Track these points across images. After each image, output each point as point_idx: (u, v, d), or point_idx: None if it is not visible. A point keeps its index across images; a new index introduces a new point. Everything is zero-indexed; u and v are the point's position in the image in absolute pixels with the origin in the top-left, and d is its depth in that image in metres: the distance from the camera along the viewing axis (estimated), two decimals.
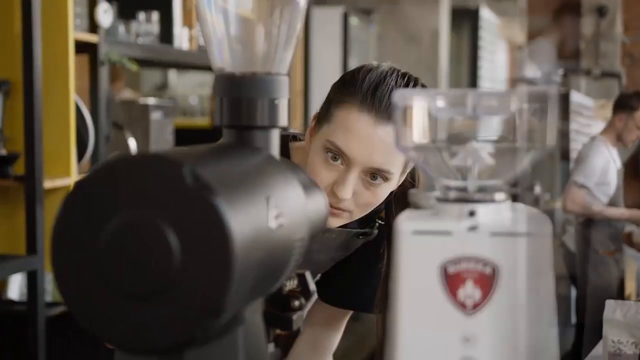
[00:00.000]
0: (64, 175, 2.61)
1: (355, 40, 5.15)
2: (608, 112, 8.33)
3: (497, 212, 0.69)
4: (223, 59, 0.78)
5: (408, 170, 1.34)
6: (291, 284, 0.86)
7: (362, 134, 1.24)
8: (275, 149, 0.78)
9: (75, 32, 2.65)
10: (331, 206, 1.26)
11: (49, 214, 2.47)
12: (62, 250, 0.62)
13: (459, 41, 7.32)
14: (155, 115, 3.14)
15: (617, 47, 9.32)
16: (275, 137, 0.79)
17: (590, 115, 7.33)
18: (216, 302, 0.60)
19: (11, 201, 2.57)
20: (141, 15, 3.11)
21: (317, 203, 0.85)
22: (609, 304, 1.95)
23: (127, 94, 4.54)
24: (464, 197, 0.69)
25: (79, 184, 0.63)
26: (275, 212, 0.68)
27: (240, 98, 0.76)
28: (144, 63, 3.53)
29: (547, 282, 0.67)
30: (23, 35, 2.43)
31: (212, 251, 0.59)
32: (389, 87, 1.25)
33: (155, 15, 3.18)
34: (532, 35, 9.09)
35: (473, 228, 0.67)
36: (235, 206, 0.62)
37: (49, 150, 2.51)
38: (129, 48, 2.97)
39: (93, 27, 2.76)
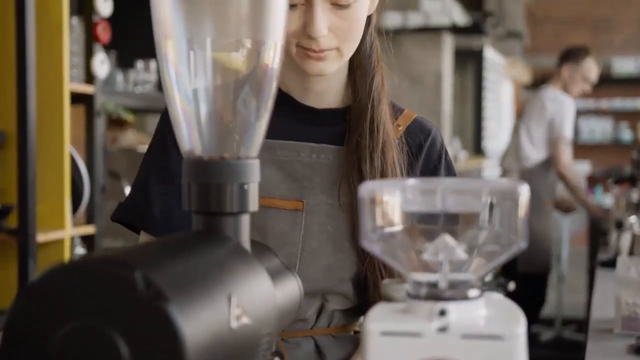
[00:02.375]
0: (58, 228, 2.59)
1: None
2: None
3: (470, 310, 0.66)
4: (192, 142, 0.75)
5: None
6: None
7: None
8: (245, 235, 0.76)
9: (72, 83, 2.64)
10: (314, 51, 1.17)
11: (42, 268, 2.44)
12: (10, 358, 0.60)
13: (464, 81, 7.32)
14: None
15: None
16: (245, 223, 0.76)
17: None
18: None
19: (3, 255, 2.54)
20: (139, 64, 3.11)
21: (289, 289, 0.82)
22: (622, 260, 1.77)
23: (130, 136, 4.53)
24: (434, 294, 0.66)
25: (27, 290, 0.60)
26: (238, 311, 0.65)
27: (209, 183, 0.74)
28: (142, 110, 3.52)
29: None
30: (18, 87, 2.42)
31: None
32: None
33: (153, 64, 3.17)
34: (537, 73, 9.11)
35: (443, 329, 0.64)
36: (191, 311, 0.59)
37: (43, 202, 2.49)
38: (126, 97, 2.96)
39: (90, 77, 2.76)
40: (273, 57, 0.76)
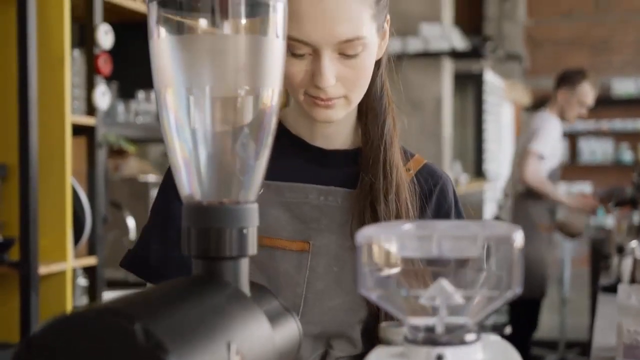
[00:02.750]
0: (60, 260, 2.60)
1: None
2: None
3: (467, 355, 0.67)
4: (191, 187, 0.76)
5: (386, 26, 1.24)
6: None
7: (310, 13, 1.12)
8: (244, 279, 0.77)
9: (74, 115, 2.66)
10: (322, 99, 1.17)
11: (44, 301, 2.45)
12: None
13: (464, 105, 7.35)
14: (155, 193, 3.13)
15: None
16: (244, 267, 0.77)
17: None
18: None
19: (6, 288, 2.55)
20: (140, 94, 3.13)
21: (288, 332, 0.82)
22: (623, 288, 1.76)
23: (132, 163, 4.55)
24: (432, 339, 0.67)
25: (28, 340, 0.61)
26: (237, 358, 0.66)
27: (208, 228, 0.75)
28: (144, 140, 3.54)
29: None
30: (19, 119, 2.44)
31: None
32: None
33: (154, 94, 3.19)
34: (537, 95, 9.15)
35: None
36: None
37: (45, 235, 2.50)
38: (127, 128, 2.98)
39: (91, 109, 2.77)
40: (271, 102, 0.77)
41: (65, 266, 2.61)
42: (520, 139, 4.66)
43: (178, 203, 0.80)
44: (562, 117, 4.56)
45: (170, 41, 0.75)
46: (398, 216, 1.24)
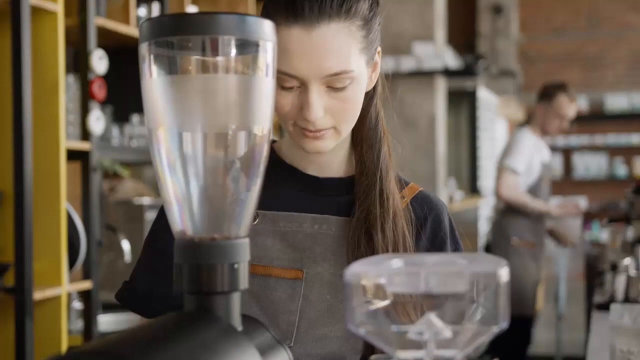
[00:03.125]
0: (55, 285, 2.60)
1: None
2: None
3: None
4: (183, 223, 0.78)
5: (377, 58, 1.24)
6: None
7: (298, 47, 1.13)
8: (235, 313, 0.78)
9: (68, 141, 2.67)
10: (310, 131, 1.18)
11: (39, 326, 2.45)
12: None
13: (458, 122, 7.37)
14: (150, 216, 3.15)
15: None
16: (236, 301, 0.78)
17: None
18: None
19: (1, 314, 2.55)
20: (135, 118, 3.15)
21: None
22: (615, 308, 1.77)
23: (129, 184, 4.55)
24: None
25: None
26: None
27: (200, 264, 0.76)
28: (139, 163, 3.55)
29: None
30: (14, 145, 2.45)
31: None
32: None
33: None
34: (530, 111, 9.19)
35: None
36: None
37: (40, 260, 2.50)
38: (122, 152, 2.99)
39: (86, 134, 2.78)
40: (262, 138, 0.78)
41: (60, 291, 2.61)
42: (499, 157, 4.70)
43: (170, 238, 0.81)
44: (544, 131, 4.58)
45: (162, 81, 0.76)
46: (395, 244, 1.24)
